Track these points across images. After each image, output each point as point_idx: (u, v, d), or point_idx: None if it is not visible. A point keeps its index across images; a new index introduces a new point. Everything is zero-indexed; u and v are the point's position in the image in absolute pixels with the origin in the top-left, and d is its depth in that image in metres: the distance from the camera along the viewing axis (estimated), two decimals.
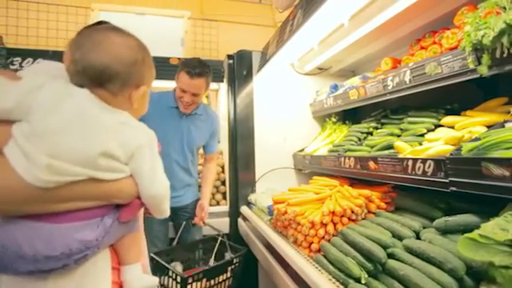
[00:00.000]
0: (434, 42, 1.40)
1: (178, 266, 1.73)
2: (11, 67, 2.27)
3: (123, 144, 0.66)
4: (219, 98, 2.94)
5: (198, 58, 1.86)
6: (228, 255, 1.79)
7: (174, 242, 1.88)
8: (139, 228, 0.80)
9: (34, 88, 0.60)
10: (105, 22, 0.88)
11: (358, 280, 1.07)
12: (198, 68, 1.71)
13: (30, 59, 2.27)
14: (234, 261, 1.68)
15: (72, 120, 0.60)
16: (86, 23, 3.57)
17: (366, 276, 1.07)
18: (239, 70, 2.41)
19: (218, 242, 1.80)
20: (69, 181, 0.60)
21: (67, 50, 0.68)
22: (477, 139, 0.97)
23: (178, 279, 1.47)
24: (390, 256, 1.09)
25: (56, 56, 2.36)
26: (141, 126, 0.73)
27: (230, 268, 1.67)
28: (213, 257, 1.63)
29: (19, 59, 2.26)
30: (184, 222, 1.93)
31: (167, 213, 0.78)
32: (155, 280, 0.81)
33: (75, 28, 3.56)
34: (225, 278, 1.66)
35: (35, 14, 3.44)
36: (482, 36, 0.96)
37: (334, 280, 1.14)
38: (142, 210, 0.81)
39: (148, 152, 0.70)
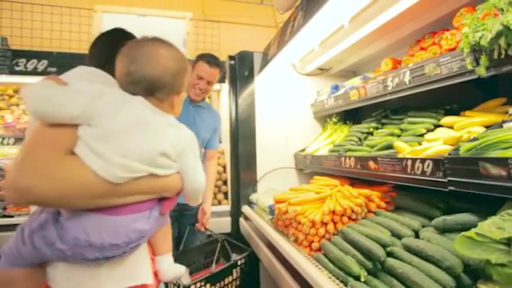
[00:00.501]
0: (434, 43, 1.41)
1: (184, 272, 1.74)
2: (16, 68, 2.30)
3: (174, 144, 0.75)
4: (221, 99, 2.97)
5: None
6: (234, 256, 1.79)
7: (180, 247, 1.89)
8: (168, 222, 0.89)
9: (96, 96, 0.66)
10: (121, 30, 1.06)
11: (357, 278, 1.09)
12: (216, 59, 1.94)
13: (35, 60, 2.30)
14: (239, 262, 1.69)
15: (133, 124, 0.69)
16: (88, 24, 3.62)
17: (366, 274, 1.09)
18: (241, 70, 2.43)
19: (218, 247, 1.79)
20: (136, 177, 0.68)
21: (118, 62, 0.75)
22: (475, 139, 0.98)
23: None
24: (390, 254, 1.10)
25: (60, 57, 2.40)
26: (183, 128, 0.81)
27: (235, 269, 1.67)
28: (214, 262, 1.63)
29: (24, 60, 2.29)
30: (188, 227, 1.95)
31: (200, 202, 0.89)
32: (184, 269, 0.90)
33: (78, 29, 3.60)
34: (231, 279, 1.66)
35: (39, 16, 3.48)
36: (480, 37, 0.97)
37: (333, 278, 1.15)
38: None
39: (191, 151, 0.79)
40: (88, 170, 0.63)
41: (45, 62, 2.32)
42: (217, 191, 2.60)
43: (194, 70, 1.89)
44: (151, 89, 0.74)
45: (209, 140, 2.09)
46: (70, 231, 0.65)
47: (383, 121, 1.81)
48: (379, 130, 1.75)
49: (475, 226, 0.83)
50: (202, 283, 1.51)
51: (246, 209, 2.28)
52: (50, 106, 0.61)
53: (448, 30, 1.33)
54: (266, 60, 2.25)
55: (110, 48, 0.87)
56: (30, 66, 2.30)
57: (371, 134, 1.81)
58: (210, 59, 1.90)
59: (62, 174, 0.61)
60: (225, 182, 2.68)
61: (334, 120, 2.31)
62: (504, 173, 0.81)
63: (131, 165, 0.67)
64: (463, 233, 0.82)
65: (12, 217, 2.19)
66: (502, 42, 0.91)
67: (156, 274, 0.82)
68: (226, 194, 2.64)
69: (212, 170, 2.12)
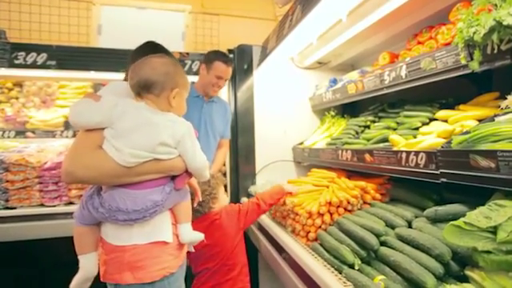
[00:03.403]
0: (431, 37, 1.43)
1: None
2: (15, 62, 2.30)
3: (172, 135, 0.96)
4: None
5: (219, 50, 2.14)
6: None
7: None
8: (188, 200, 1.11)
9: (112, 107, 0.93)
10: (152, 43, 1.43)
11: (351, 266, 1.13)
12: (229, 57, 2.06)
13: (34, 53, 2.30)
14: None
15: (138, 123, 0.93)
16: (87, 17, 3.60)
17: (360, 262, 1.13)
18: (240, 64, 2.44)
19: None
20: (142, 162, 0.92)
21: (129, 75, 1.01)
22: (467, 132, 1.01)
23: None
24: (383, 244, 1.14)
25: (59, 50, 2.40)
26: (182, 121, 1.01)
27: None
28: None
29: (23, 54, 2.29)
30: None
31: (207, 177, 1.10)
32: (200, 235, 1.11)
33: (77, 22, 3.59)
34: None
35: (37, 9, 3.45)
36: (474, 33, 0.99)
37: (329, 266, 1.20)
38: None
39: (188, 138, 0.99)
40: (110, 159, 0.90)
41: (44, 55, 2.32)
42: None
43: (211, 70, 2.00)
44: (146, 86, 0.96)
45: (223, 131, 2.20)
46: (106, 200, 0.93)
47: (380, 114, 1.84)
48: (376, 124, 1.78)
49: (465, 215, 0.87)
50: None
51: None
52: (81, 118, 0.91)
53: (445, 25, 1.34)
54: (264, 54, 2.26)
55: (136, 60, 1.09)
56: (30, 60, 2.30)
57: (368, 127, 1.84)
58: (226, 58, 2.00)
59: (93, 162, 0.90)
60: (224, 175, 2.71)
61: (332, 113, 2.34)
62: (493, 165, 0.84)
63: (137, 153, 0.91)
64: (452, 222, 0.85)
65: (15, 208, 2.22)
66: (495, 37, 0.93)
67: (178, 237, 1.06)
68: (225, 186, 2.67)
69: (220, 156, 2.22)
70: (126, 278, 0.93)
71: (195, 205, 1.24)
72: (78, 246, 1.00)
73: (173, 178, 1.03)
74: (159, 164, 0.95)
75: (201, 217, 1.54)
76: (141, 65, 0.98)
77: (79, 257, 1.00)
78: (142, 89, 0.97)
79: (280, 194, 1.67)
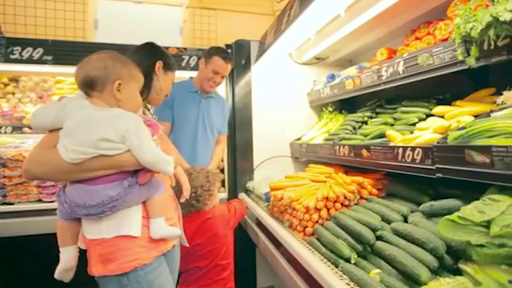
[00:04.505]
0: (429, 33, 1.43)
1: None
2: (11, 57, 2.28)
3: (114, 130, 0.95)
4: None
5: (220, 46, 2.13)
6: None
7: None
8: (164, 195, 1.10)
9: (61, 108, 0.97)
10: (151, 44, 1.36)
11: (347, 260, 1.15)
12: (228, 54, 2.03)
13: (30, 48, 2.28)
14: None
15: (81, 121, 0.95)
16: (83, 11, 3.56)
17: (356, 256, 1.15)
18: (237, 59, 2.43)
19: None
20: (88, 158, 0.94)
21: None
22: (463, 128, 1.02)
23: None
24: (379, 238, 1.16)
25: (56, 45, 2.37)
26: (128, 116, 1.00)
27: None
28: None
29: (19, 48, 2.27)
30: None
31: (170, 173, 1.05)
32: (176, 231, 1.11)
33: (73, 16, 3.54)
34: None
35: (33, 3, 3.41)
36: (471, 28, 0.99)
37: (325, 260, 1.21)
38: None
39: (134, 133, 0.97)
40: (59, 156, 0.93)
41: (40, 50, 2.29)
42: None
43: (208, 64, 1.98)
44: (87, 85, 0.98)
45: (220, 126, 2.20)
46: (68, 196, 0.97)
47: (378, 110, 1.84)
48: (373, 119, 1.78)
49: (460, 210, 0.88)
50: None
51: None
52: (35, 120, 0.98)
53: (442, 20, 1.34)
54: (262, 49, 2.25)
55: (133, 61, 1.11)
56: (26, 55, 2.28)
57: (366, 123, 1.84)
58: (225, 54, 1.98)
59: (44, 159, 0.94)
60: (222, 170, 2.71)
61: (330, 109, 2.34)
62: (488, 160, 0.85)
63: (80, 149, 0.93)
64: (446, 216, 0.86)
65: (12, 204, 2.22)
66: (492, 33, 0.93)
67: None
68: (223, 181, 2.68)
69: (218, 152, 2.23)
70: (99, 270, 0.99)
71: (182, 200, 1.22)
72: (59, 240, 1.07)
73: (136, 172, 1.03)
74: (107, 160, 0.96)
75: (193, 215, 1.54)
76: (81, 64, 1.00)
77: (60, 249, 1.07)
78: (85, 87, 0.99)
79: None
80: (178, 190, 1.26)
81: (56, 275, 1.06)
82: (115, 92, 1.00)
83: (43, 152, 0.96)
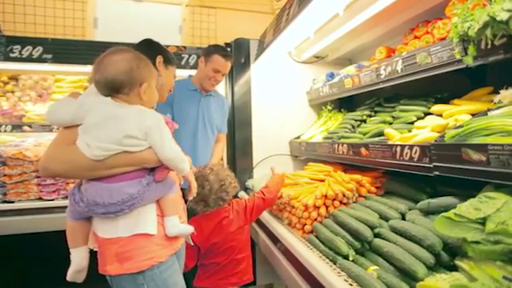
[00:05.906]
0: (427, 32, 1.43)
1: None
2: (11, 55, 2.28)
3: (138, 127, 0.96)
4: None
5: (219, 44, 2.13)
6: None
7: None
8: (176, 194, 1.12)
9: (79, 105, 0.95)
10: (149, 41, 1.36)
11: (346, 257, 1.16)
12: (228, 52, 2.03)
13: (30, 47, 2.28)
14: None
15: (104, 118, 0.94)
16: (83, 10, 3.56)
17: (354, 253, 1.16)
18: (237, 57, 2.43)
19: None
20: (111, 154, 0.93)
21: (92, 74, 0.99)
22: (460, 127, 1.03)
23: None
24: (377, 235, 1.17)
25: (55, 43, 2.37)
26: (150, 113, 1.00)
27: None
28: None
29: (19, 47, 2.27)
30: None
31: (186, 171, 1.05)
32: (189, 228, 1.12)
33: (72, 15, 3.54)
34: None
35: (32, 1, 3.40)
36: (468, 28, 1.00)
37: (324, 257, 1.22)
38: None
39: (157, 130, 0.98)
40: (81, 153, 0.92)
41: (40, 49, 2.30)
42: None
43: (208, 63, 1.98)
44: (114, 88, 0.96)
45: (219, 125, 2.19)
46: (85, 195, 0.95)
47: (376, 109, 1.85)
48: (372, 118, 1.79)
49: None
50: None
51: (242, 194, 2.34)
52: (53, 116, 0.95)
53: (441, 19, 1.35)
54: (262, 47, 2.26)
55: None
56: (25, 53, 2.28)
57: (364, 121, 1.85)
58: (225, 52, 1.98)
59: (64, 156, 0.93)
60: None
61: (329, 108, 2.35)
62: (484, 158, 0.86)
63: (104, 146, 0.92)
64: (443, 213, 0.87)
65: (13, 202, 2.23)
66: (489, 32, 0.94)
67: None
68: None
69: (218, 150, 2.22)
70: (115, 268, 0.98)
71: (190, 198, 1.19)
72: (69, 241, 1.05)
73: (153, 170, 1.03)
74: (130, 156, 0.95)
75: (210, 214, 1.52)
76: (100, 65, 0.96)
77: (70, 250, 1.05)
78: (111, 90, 0.97)
79: (280, 178, 1.70)
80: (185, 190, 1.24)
81: (68, 277, 1.04)
82: (142, 94, 1.00)
83: (62, 149, 0.94)
